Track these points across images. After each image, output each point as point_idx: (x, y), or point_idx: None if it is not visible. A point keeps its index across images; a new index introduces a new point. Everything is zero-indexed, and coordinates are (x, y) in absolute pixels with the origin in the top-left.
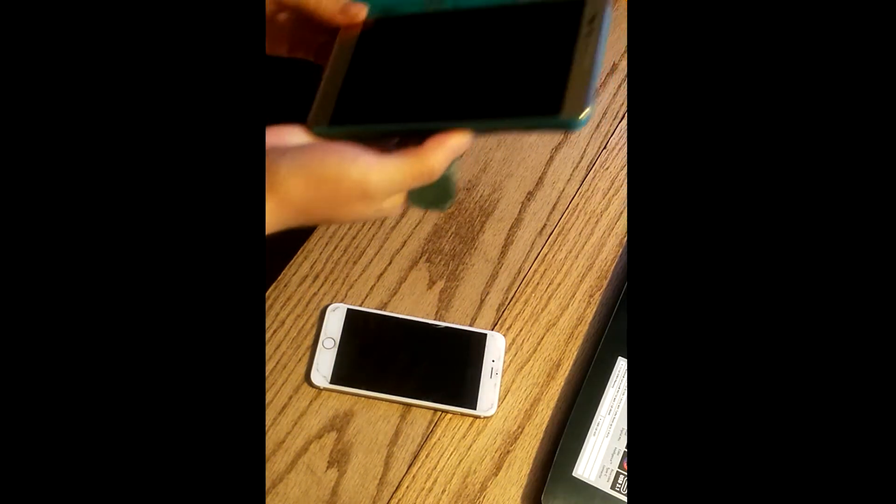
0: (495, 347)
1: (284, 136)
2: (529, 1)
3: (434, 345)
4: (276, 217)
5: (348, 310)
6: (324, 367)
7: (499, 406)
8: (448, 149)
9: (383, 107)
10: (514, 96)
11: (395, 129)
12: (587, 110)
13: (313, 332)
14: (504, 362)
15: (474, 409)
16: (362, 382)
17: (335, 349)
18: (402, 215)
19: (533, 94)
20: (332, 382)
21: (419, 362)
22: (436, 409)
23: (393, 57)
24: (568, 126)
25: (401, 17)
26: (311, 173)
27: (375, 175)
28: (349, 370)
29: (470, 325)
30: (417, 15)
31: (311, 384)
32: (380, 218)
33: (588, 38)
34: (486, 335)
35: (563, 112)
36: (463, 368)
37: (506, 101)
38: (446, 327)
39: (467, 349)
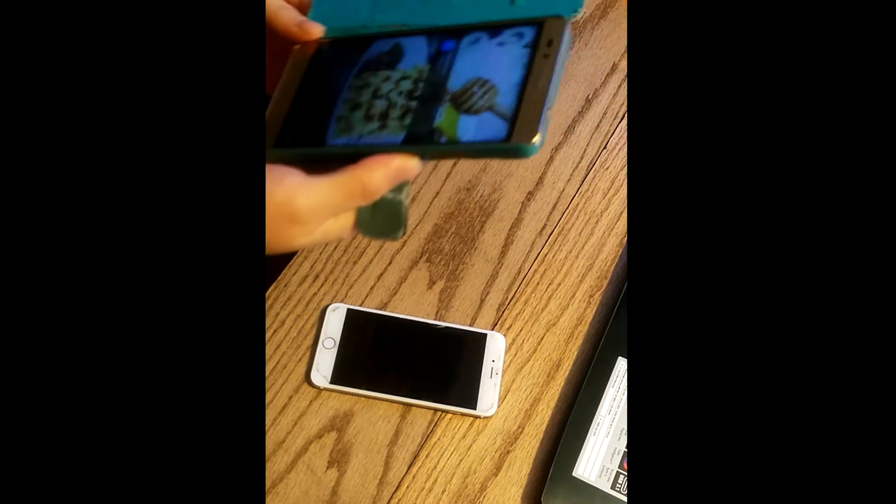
0: (495, 347)
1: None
2: (484, 22)
3: (434, 345)
4: None
5: (348, 310)
6: (324, 367)
7: (499, 406)
8: (389, 169)
9: (328, 129)
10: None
11: (339, 153)
12: (537, 137)
13: (313, 332)
14: (504, 362)
15: (474, 409)
16: (362, 382)
17: (335, 349)
18: None
19: (481, 128)
20: (332, 382)
21: (419, 362)
22: (436, 410)
23: (342, 78)
24: (517, 152)
25: (355, 38)
26: None
27: (303, 197)
28: (349, 370)
29: (470, 325)
30: (371, 35)
31: (311, 384)
32: (322, 243)
33: (544, 62)
34: (486, 335)
35: (512, 137)
36: (463, 368)
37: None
38: (446, 327)
39: (467, 349)
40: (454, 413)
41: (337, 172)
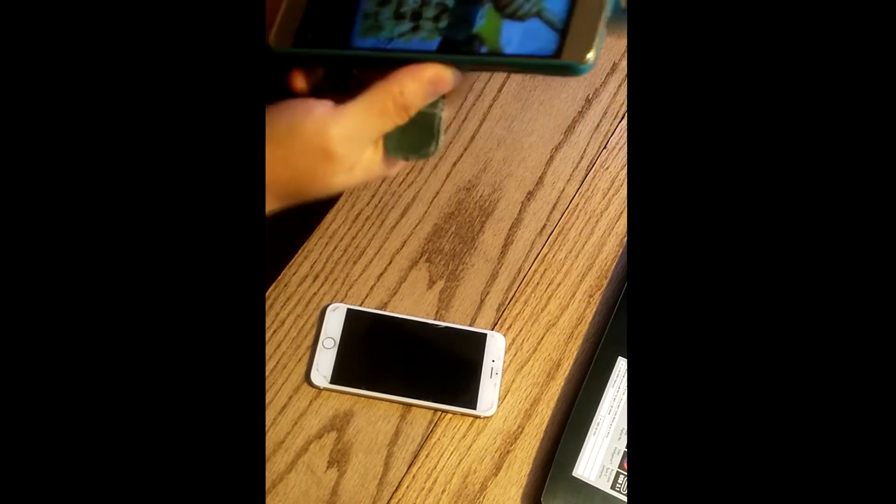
0: (495, 347)
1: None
2: None
3: (434, 345)
4: None
5: (348, 310)
6: (324, 366)
7: (499, 406)
8: (422, 82)
9: (354, 27)
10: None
11: (366, 56)
12: (591, 54)
13: (313, 331)
14: (504, 362)
15: (474, 408)
16: (362, 382)
17: (335, 349)
18: (402, 215)
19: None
20: (332, 382)
21: (419, 362)
22: (435, 409)
23: None
24: (567, 70)
25: None
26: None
27: (336, 126)
28: (349, 370)
29: (470, 325)
30: None
31: (310, 384)
32: (360, 184)
33: None
34: (485, 335)
35: (563, 53)
36: (463, 368)
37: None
38: (446, 327)
39: (467, 349)
40: (454, 413)
41: (366, 91)
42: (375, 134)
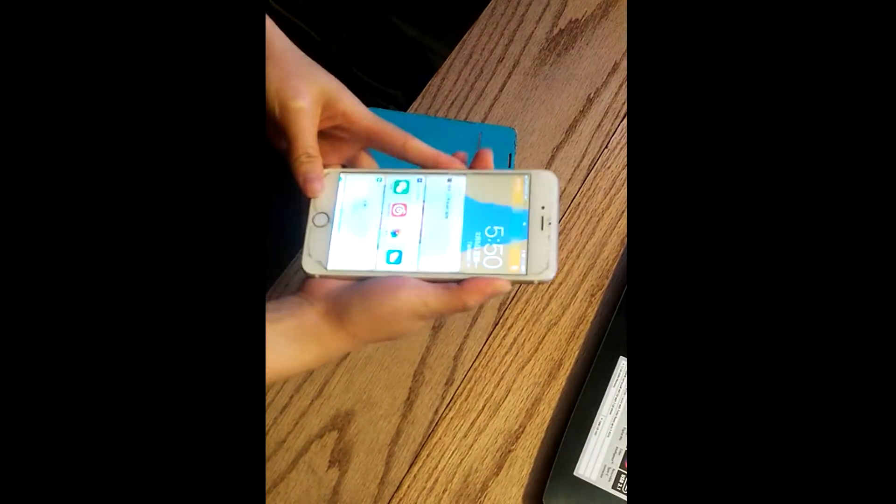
0: (543, 190)
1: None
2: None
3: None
4: (343, 348)
5: (341, 174)
6: (317, 250)
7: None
8: (485, 294)
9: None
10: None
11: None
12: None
13: None
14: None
15: (524, 272)
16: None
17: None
18: None
19: None
20: (330, 269)
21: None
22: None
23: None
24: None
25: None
26: (373, 313)
27: (420, 306)
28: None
29: (470, 324)
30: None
31: (306, 273)
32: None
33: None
34: (529, 175)
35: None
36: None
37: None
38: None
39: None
40: (501, 276)
41: (448, 292)
42: (440, 315)
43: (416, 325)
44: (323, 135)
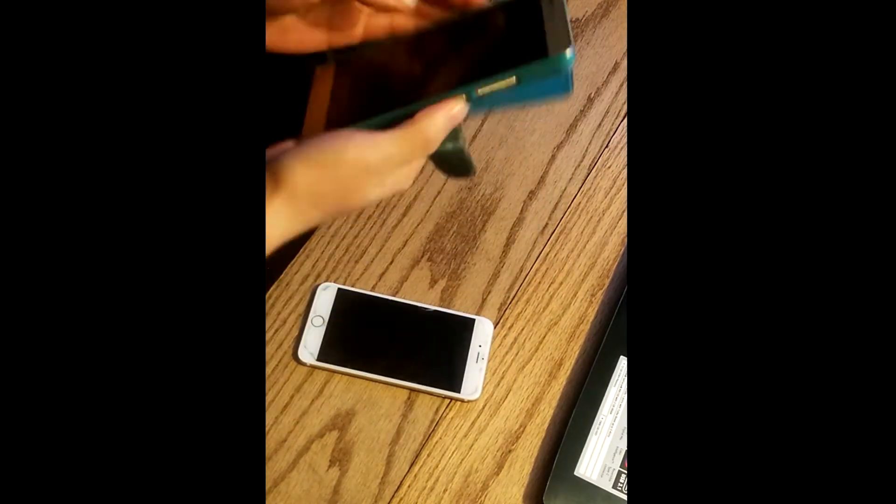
0: (483, 332)
1: (279, 148)
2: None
3: (422, 327)
4: (288, 214)
5: (339, 289)
6: (311, 343)
7: (485, 393)
8: (440, 116)
9: (378, 100)
10: (498, 59)
11: (391, 117)
12: (570, 48)
13: None
14: (489, 349)
15: (458, 392)
16: (349, 361)
17: (324, 327)
18: (404, 214)
19: (516, 51)
20: (319, 360)
21: (407, 344)
22: (420, 391)
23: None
24: (558, 65)
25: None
26: (312, 160)
27: (371, 151)
28: (336, 348)
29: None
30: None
31: (297, 361)
32: (391, 195)
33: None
34: (473, 320)
35: (550, 50)
36: (449, 352)
37: (491, 64)
38: (435, 310)
39: (455, 333)
40: (438, 395)
41: (399, 128)
42: (404, 161)
43: (370, 182)
44: None
